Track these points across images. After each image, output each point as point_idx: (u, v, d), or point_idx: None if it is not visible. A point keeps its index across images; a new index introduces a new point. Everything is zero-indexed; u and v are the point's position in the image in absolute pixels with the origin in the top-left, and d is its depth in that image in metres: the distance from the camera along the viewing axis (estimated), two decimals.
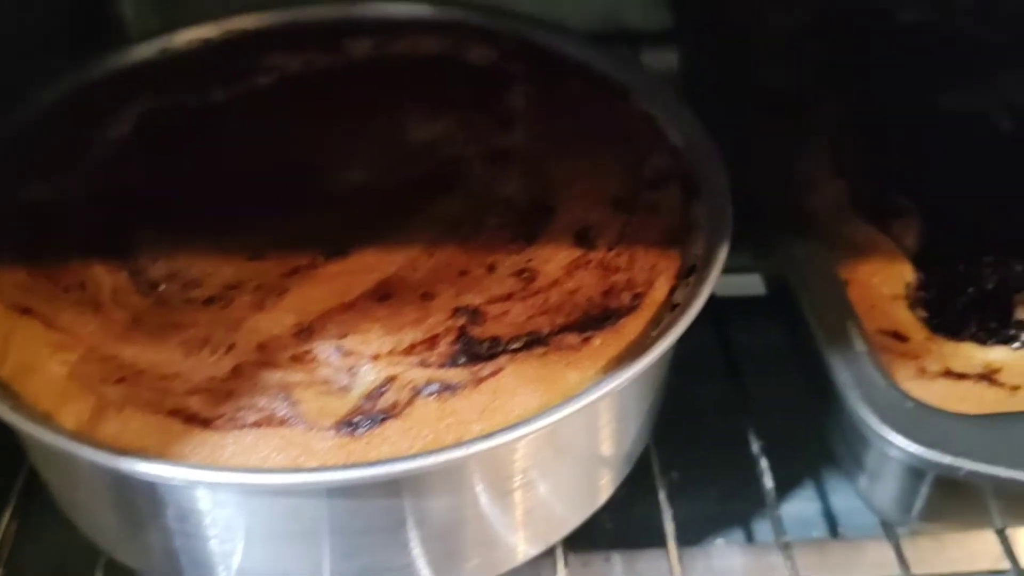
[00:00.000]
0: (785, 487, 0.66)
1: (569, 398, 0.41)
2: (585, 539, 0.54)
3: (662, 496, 0.55)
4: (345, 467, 0.39)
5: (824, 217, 0.57)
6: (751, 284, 0.64)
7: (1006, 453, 0.39)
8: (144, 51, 0.62)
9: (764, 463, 0.56)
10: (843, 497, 0.66)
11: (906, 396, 0.41)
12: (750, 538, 0.62)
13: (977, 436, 0.40)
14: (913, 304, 0.53)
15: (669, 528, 0.53)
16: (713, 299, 0.66)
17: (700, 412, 0.64)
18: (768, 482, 0.56)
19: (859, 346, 0.43)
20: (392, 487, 0.42)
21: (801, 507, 0.67)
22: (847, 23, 0.74)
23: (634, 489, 0.55)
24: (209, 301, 0.45)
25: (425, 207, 0.49)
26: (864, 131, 0.64)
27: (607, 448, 0.48)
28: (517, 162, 0.53)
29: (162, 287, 0.45)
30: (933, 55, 0.71)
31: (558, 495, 0.47)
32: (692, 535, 0.60)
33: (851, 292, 0.53)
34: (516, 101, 0.58)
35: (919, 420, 0.40)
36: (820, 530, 0.66)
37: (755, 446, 0.57)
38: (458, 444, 0.39)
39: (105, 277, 0.46)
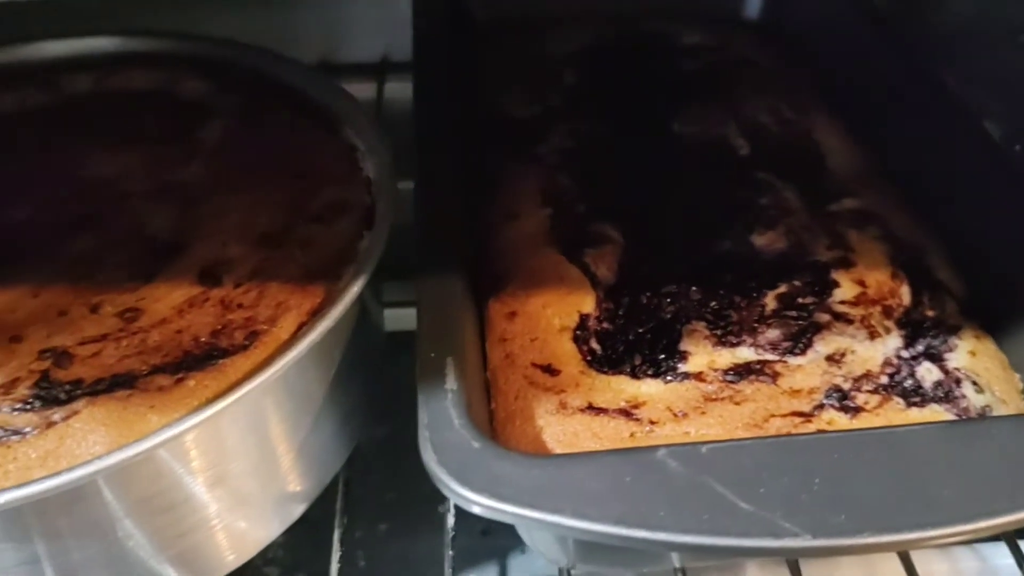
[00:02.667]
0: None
1: (132, 442, 0.40)
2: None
3: (335, 536, 0.53)
4: None
5: (517, 248, 0.56)
6: None
7: (559, 495, 0.38)
8: None
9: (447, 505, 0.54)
10: None
11: (477, 437, 0.40)
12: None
13: (537, 478, 0.38)
14: (587, 336, 0.52)
15: (333, 570, 0.52)
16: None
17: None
18: (450, 520, 0.54)
19: (450, 384, 0.42)
20: None
21: None
22: (618, 48, 0.73)
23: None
24: None
25: (60, 245, 0.49)
26: (589, 159, 0.63)
27: (254, 483, 0.47)
28: (178, 197, 0.52)
29: None
30: (685, 80, 0.70)
31: (167, 545, 0.46)
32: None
33: (516, 324, 0.52)
34: (209, 135, 0.57)
35: (478, 462, 0.39)
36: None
37: None
38: None
39: None
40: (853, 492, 0.38)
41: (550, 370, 0.49)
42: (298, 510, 0.52)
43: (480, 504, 0.37)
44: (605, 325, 0.52)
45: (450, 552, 0.51)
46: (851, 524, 0.37)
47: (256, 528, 0.50)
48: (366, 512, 0.68)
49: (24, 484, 0.38)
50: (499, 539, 0.69)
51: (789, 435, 0.44)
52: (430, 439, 0.40)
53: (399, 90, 0.79)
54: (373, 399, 0.56)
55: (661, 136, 0.65)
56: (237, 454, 0.46)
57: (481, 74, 0.71)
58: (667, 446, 0.40)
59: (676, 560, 0.50)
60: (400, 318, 0.62)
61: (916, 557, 0.51)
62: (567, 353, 0.50)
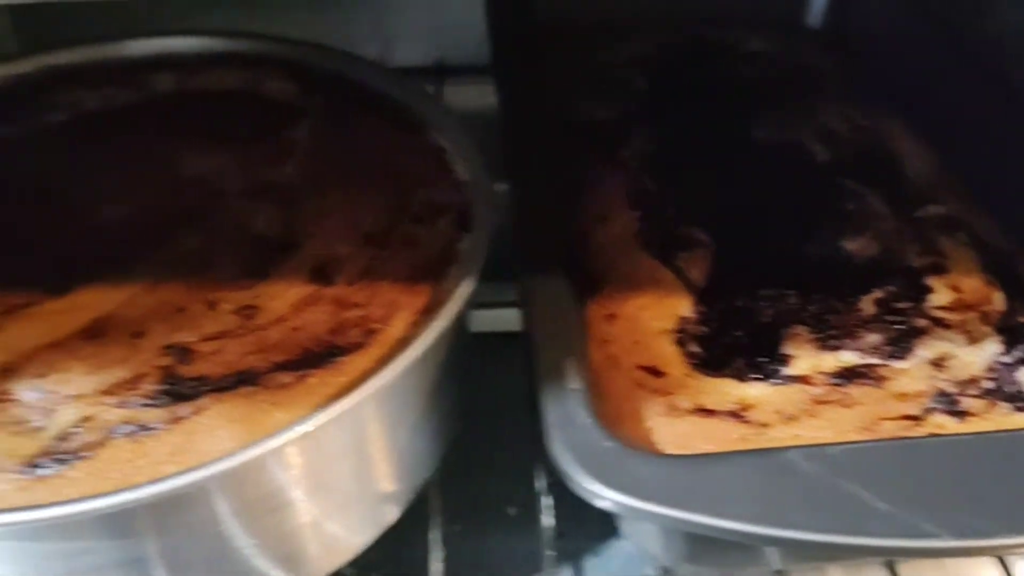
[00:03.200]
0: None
1: (260, 439, 0.40)
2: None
3: (434, 536, 0.54)
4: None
5: (609, 251, 0.57)
6: None
7: (697, 495, 0.38)
8: None
9: (547, 502, 0.55)
10: None
11: (608, 436, 0.40)
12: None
13: (672, 477, 0.39)
14: (686, 339, 0.52)
15: (435, 569, 0.52)
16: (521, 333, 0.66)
17: (496, 447, 0.63)
18: (548, 520, 0.54)
19: (573, 383, 0.42)
20: (95, 526, 0.41)
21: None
22: (678, 54, 0.74)
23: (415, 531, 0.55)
24: None
25: (167, 243, 0.49)
26: (670, 163, 0.63)
27: (357, 483, 0.47)
28: (278, 196, 0.52)
29: None
30: (756, 85, 0.71)
31: (284, 542, 0.46)
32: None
33: (616, 326, 0.52)
34: (299, 135, 0.57)
35: (612, 461, 0.39)
36: (653, 566, 0.65)
37: (540, 483, 0.56)
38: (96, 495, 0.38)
39: None
40: (984, 493, 0.39)
41: (656, 372, 0.49)
42: (395, 512, 0.52)
43: (618, 502, 0.38)
44: (702, 328, 0.53)
45: (550, 552, 0.51)
46: (989, 525, 0.37)
47: (351, 534, 0.50)
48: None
49: (166, 477, 0.38)
50: (572, 542, 0.69)
51: (909, 438, 0.44)
52: (561, 439, 0.40)
53: (454, 93, 0.79)
54: (464, 401, 0.56)
55: (738, 141, 0.65)
56: (347, 454, 0.46)
57: (552, 79, 0.71)
58: (797, 447, 0.40)
59: (777, 561, 0.51)
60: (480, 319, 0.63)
61: (1012, 560, 0.51)
62: (670, 355, 0.51)
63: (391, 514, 0.52)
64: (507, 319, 0.65)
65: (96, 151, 0.56)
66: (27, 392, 0.42)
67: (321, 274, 0.48)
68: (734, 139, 0.66)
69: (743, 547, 0.48)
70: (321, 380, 0.44)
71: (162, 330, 0.44)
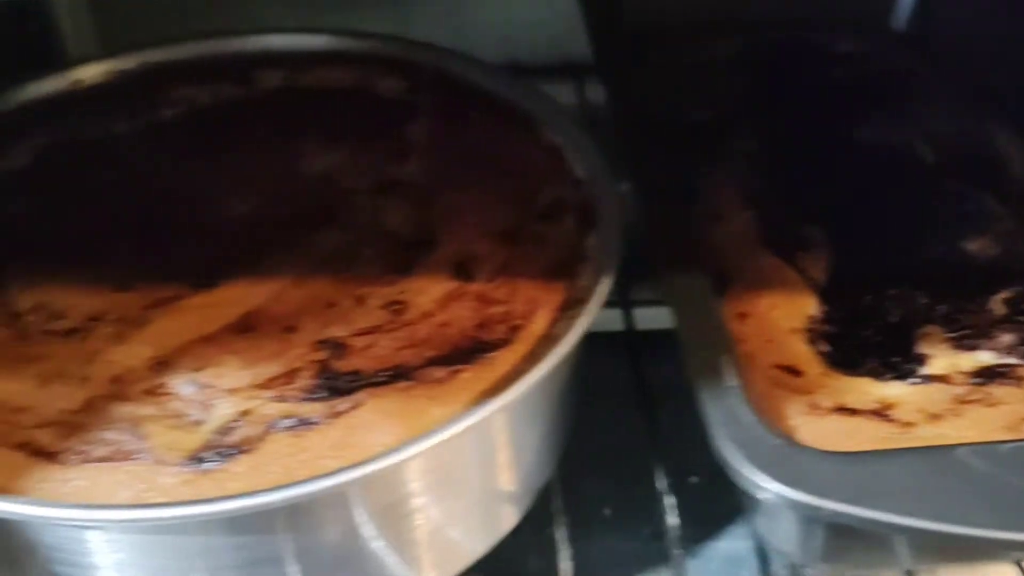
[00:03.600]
0: (717, 523, 0.65)
1: (423, 434, 0.40)
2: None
3: (559, 534, 0.53)
4: (171, 505, 0.38)
5: (729, 249, 0.56)
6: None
7: (873, 492, 0.38)
8: (56, 83, 0.62)
9: (669, 501, 0.55)
10: None
11: (775, 434, 0.40)
12: None
13: (844, 474, 0.39)
14: (815, 338, 0.52)
15: (565, 567, 0.52)
16: (632, 331, 0.66)
17: (612, 448, 0.63)
18: (673, 519, 0.54)
19: (730, 382, 0.42)
20: (249, 522, 0.40)
21: (732, 545, 0.66)
22: (774, 55, 0.74)
23: (533, 530, 0.54)
24: (70, 333, 0.44)
25: (303, 239, 0.49)
26: (777, 163, 0.63)
27: (488, 485, 0.47)
28: (406, 194, 0.52)
29: (27, 318, 0.45)
30: (857, 86, 0.71)
31: (441, 533, 0.46)
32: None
33: (748, 325, 0.52)
34: (417, 132, 0.57)
35: (783, 458, 0.39)
36: (751, 569, 0.65)
37: (661, 483, 0.55)
38: (279, 486, 0.38)
39: None
40: None
41: (793, 371, 0.49)
42: (520, 512, 0.52)
43: (796, 500, 0.37)
44: (830, 327, 0.52)
45: (677, 551, 0.51)
46: None
47: (481, 534, 0.50)
48: (541, 514, 0.68)
49: (344, 469, 0.38)
50: (631, 548, 0.68)
51: None
52: (729, 436, 0.40)
53: None
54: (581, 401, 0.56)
55: (842, 142, 0.65)
56: (496, 448, 0.46)
57: (647, 79, 0.71)
58: (964, 445, 0.40)
59: (908, 561, 0.50)
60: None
61: None
62: (805, 354, 0.50)
63: (517, 514, 0.52)
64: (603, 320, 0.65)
65: (214, 147, 0.56)
66: (183, 386, 0.42)
67: (462, 270, 0.48)
68: (838, 140, 0.65)
69: (880, 546, 0.47)
70: (474, 375, 0.43)
71: (313, 325, 0.44)
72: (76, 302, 0.45)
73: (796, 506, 0.38)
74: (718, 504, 0.59)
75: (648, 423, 0.59)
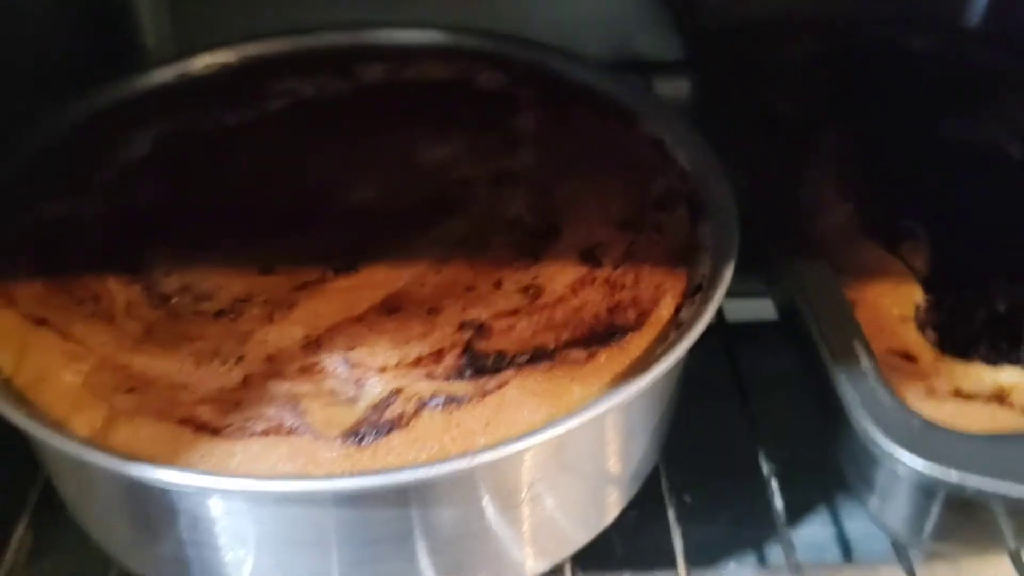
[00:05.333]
0: (796, 511, 0.66)
1: (575, 410, 0.41)
2: (594, 558, 0.54)
3: (671, 516, 0.55)
4: (350, 475, 0.39)
5: (832, 240, 0.58)
6: (761, 309, 0.65)
7: (1014, 471, 0.39)
8: (162, 75, 0.63)
9: (774, 485, 0.56)
10: (856, 522, 0.66)
11: (914, 414, 0.41)
12: (762, 561, 0.62)
13: (984, 454, 0.40)
14: (922, 325, 0.53)
15: (679, 547, 0.53)
16: (723, 323, 0.67)
17: (710, 435, 0.64)
18: (778, 503, 0.55)
19: (866, 364, 0.43)
20: (397, 497, 0.42)
21: (813, 531, 0.67)
22: (855, 52, 0.75)
23: (644, 510, 0.55)
24: (220, 314, 0.45)
25: (432, 226, 0.50)
26: (869, 157, 0.64)
27: (614, 465, 0.48)
28: (523, 183, 0.54)
29: (174, 300, 0.46)
30: (940, 83, 0.72)
31: (565, 511, 0.47)
32: (703, 558, 0.60)
33: (859, 313, 0.53)
34: (523, 124, 0.59)
35: (926, 438, 0.40)
36: (833, 555, 0.66)
37: (765, 468, 0.57)
38: (462, 455, 0.40)
39: (119, 290, 0.46)
40: None
41: (908, 357, 0.50)
42: (633, 491, 0.53)
43: (940, 478, 0.39)
44: (936, 316, 0.54)
45: (784, 531, 0.52)
46: None
47: (618, 502, 0.51)
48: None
49: (518, 437, 0.39)
50: (750, 530, 0.69)
51: None
52: (872, 417, 0.41)
53: None
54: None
55: (930, 138, 0.67)
56: (635, 429, 0.48)
57: (732, 76, 0.72)
58: None
59: (1013, 541, 0.51)
60: None
61: None
62: (917, 341, 0.52)
63: (631, 492, 0.53)
64: None
65: (328, 137, 0.57)
66: (336, 364, 0.43)
67: (590, 257, 0.49)
68: (925, 135, 0.67)
69: (991, 525, 0.49)
70: (609, 357, 0.45)
71: (455, 307, 0.45)
72: (222, 284, 0.47)
73: (938, 483, 0.39)
74: (795, 493, 0.60)
75: (746, 413, 0.60)
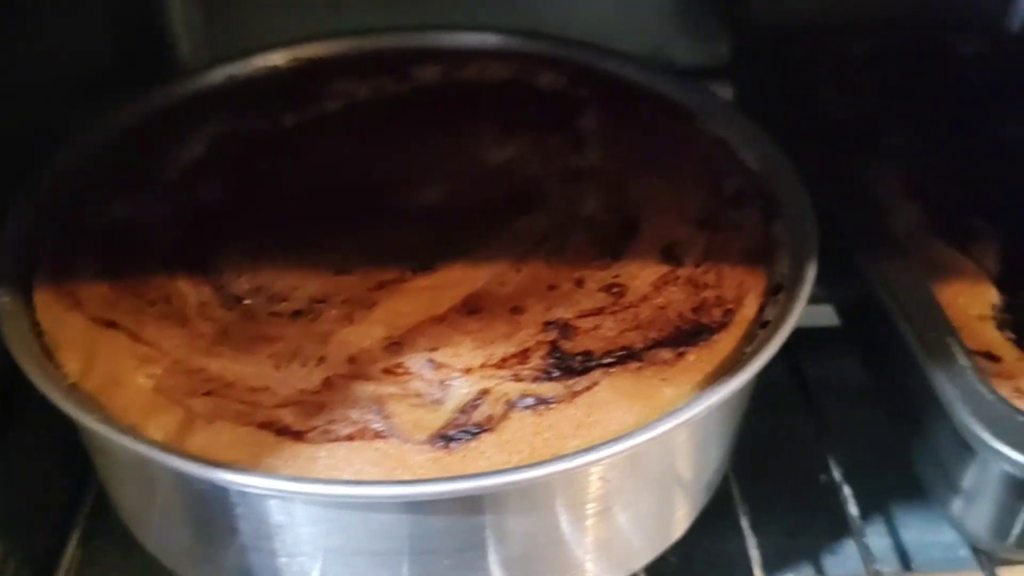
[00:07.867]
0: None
1: (668, 412, 0.40)
2: (663, 570, 0.53)
3: (745, 524, 0.53)
4: (462, 478, 0.38)
5: (903, 239, 0.57)
6: (821, 315, 0.64)
7: None
8: (213, 77, 0.62)
9: (847, 491, 0.55)
10: (912, 531, 0.64)
11: (1017, 410, 0.40)
12: (831, 570, 0.60)
13: None
14: (999, 325, 0.52)
15: (754, 556, 0.52)
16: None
17: (776, 443, 0.62)
18: (853, 510, 0.54)
19: (963, 362, 0.42)
20: (482, 503, 0.41)
21: (870, 541, 0.66)
22: (905, 53, 0.75)
23: (711, 520, 0.54)
24: (296, 315, 0.44)
25: (508, 224, 0.49)
26: (932, 157, 0.64)
27: (698, 468, 0.47)
28: (594, 182, 0.53)
29: (248, 301, 0.45)
30: (991, 84, 0.71)
31: (638, 521, 0.46)
32: (772, 566, 0.58)
33: None
34: (587, 123, 0.58)
35: None
36: (891, 565, 0.64)
37: (837, 474, 0.56)
38: (584, 450, 0.39)
39: (190, 291, 0.45)
40: None
41: (991, 357, 0.49)
42: (706, 501, 0.52)
43: None
44: (1011, 316, 0.53)
45: (861, 537, 0.51)
46: None
47: (690, 512, 0.50)
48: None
49: (639, 431, 0.38)
50: (804, 540, 0.68)
51: None
52: (974, 414, 0.40)
53: None
54: None
55: (988, 138, 0.66)
56: (712, 435, 0.46)
57: (782, 76, 0.72)
58: None
59: None
60: None
61: None
62: (998, 341, 0.50)
63: (704, 501, 0.52)
64: None
65: (391, 138, 0.56)
66: (420, 365, 0.42)
67: (670, 255, 0.48)
68: (983, 136, 0.66)
69: None
70: (698, 357, 0.44)
71: (538, 306, 0.44)
72: (296, 285, 0.45)
73: None
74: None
75: (815, 419, 0.59)
